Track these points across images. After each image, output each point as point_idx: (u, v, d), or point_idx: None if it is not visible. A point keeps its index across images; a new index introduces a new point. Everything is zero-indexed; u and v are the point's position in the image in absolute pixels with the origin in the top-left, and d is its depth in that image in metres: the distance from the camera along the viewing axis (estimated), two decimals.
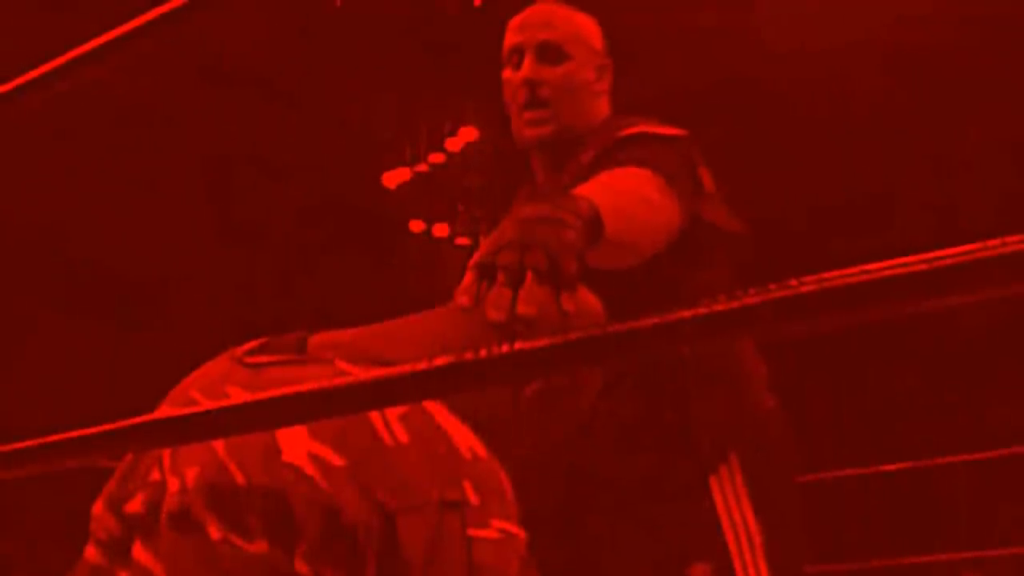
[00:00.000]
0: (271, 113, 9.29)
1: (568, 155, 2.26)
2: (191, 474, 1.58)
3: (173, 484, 1.60)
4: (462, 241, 10.85)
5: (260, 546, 1.51)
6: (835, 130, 8.73)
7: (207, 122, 9.01)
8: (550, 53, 2.32)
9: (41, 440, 1.25)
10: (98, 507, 1.73)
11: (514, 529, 1.57)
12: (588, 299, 1.74)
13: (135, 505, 1.66)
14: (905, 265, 0.76)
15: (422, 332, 1.75)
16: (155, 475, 1.65)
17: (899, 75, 8.35)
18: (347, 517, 1.49)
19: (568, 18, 2.38)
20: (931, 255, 0.76)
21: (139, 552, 1.64)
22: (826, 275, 0.80)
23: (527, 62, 2.32)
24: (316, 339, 1.77)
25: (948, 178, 8.69)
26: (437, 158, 10.33)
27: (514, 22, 2.40)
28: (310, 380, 1.07)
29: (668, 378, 2.17)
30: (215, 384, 1.70)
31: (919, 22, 7.95)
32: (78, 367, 8.12)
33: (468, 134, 10.13)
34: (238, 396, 1.61)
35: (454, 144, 10.23)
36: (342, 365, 1.65)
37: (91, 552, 1.72)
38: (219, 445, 1.57)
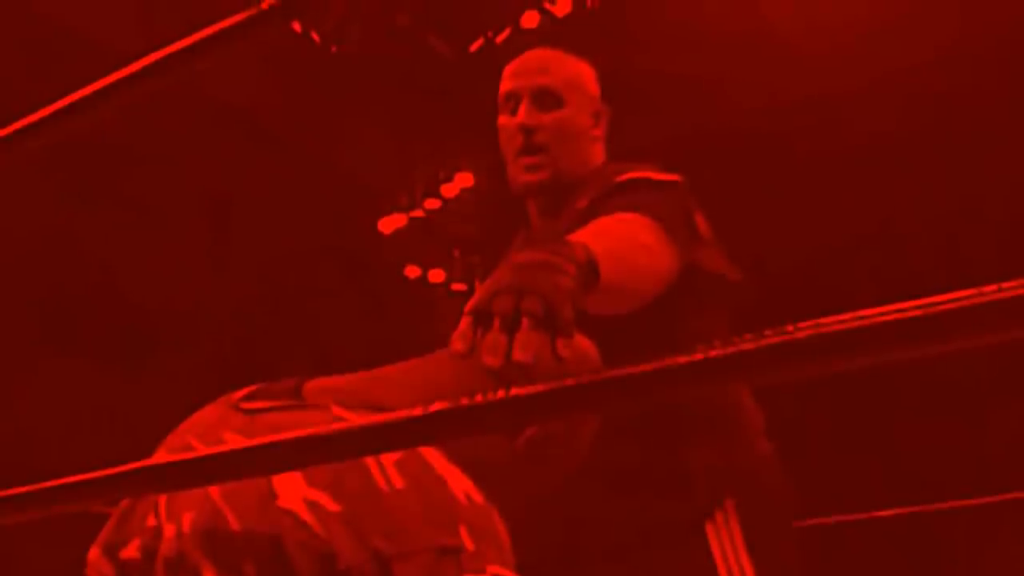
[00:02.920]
0: (267, 159, 9.31)
1: (564, 201, 2.26)
2: (187, 520, 1.57)
3: (169, 530, 1.59)
4: (458, 287, 10.83)
5: None
6: (833, 176, 8.75)
7: (206, 168, 9.03)
8: (546, 99, 2.32)
9: (36, 485, 1.25)
10: (94, 553, 1.72)
11: (510, 575, 1.56)
12: (584, 345, 1.74)
13: (131, 551, 1.65)
14: (901, 311, 0.76)
15: (418, 378, 1.74)
16: (151, 521, 1.64)
17: (899, 120, 8.38)
18: (343, 563, 1.49)
19: (564, 64, 2.38)
20: (927, 300, 0.76)
21: None
22: (822, 320, 0.80)
23: (523, 108, 2.32)
24: (312, 385, 1.77)
25: (950, 223, 8.71)
26: (432, 204, 10.35)
27: (509, 68, 2.40)
28: (306, 426, 1.06)
29: (664, 424, 2.16)
30: (211, 430, 1.70)
31: (926, 67, 8.00)
32: (73, 411, 8.09)
33: (464, 180, 10.15)
34: (234, 442, 1.60)
35: (450, 190, 10.24)
36: (338, 411, 1.65)
37: None
38: (215, 491, 1.57)
